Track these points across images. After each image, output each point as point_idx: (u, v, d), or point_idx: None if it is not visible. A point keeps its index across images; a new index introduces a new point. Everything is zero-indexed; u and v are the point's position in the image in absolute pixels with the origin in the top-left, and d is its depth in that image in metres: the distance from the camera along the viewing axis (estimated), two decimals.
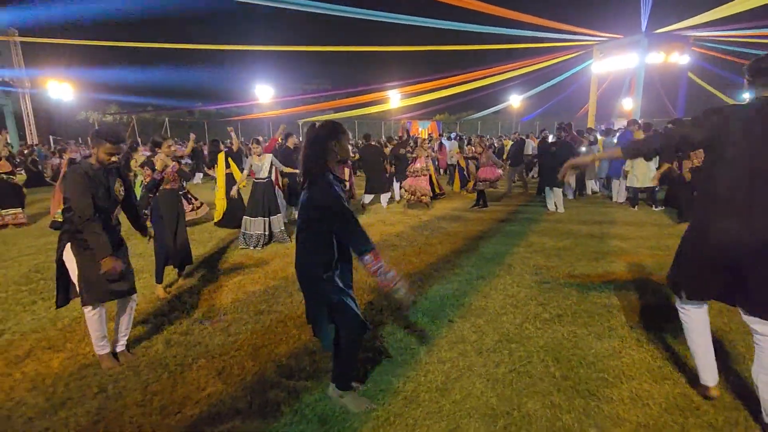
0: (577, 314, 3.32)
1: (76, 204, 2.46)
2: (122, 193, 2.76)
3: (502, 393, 2.34)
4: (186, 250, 4.29)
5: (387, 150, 9.07)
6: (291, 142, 7.25)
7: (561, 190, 7.66)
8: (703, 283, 2.08)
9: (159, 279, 3.97)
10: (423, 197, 7.99)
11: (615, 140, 9.24)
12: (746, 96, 2.04)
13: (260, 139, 11.84)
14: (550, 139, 9.49)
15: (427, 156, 8.57)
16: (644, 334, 2.98)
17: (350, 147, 2.02)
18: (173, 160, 4.19)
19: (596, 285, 3.95)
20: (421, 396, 2.33)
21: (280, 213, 5.78)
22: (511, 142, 14.09)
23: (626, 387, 2.37)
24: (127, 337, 2.88)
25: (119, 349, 2.83)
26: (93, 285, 2.57)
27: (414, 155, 8.29)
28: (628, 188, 8.17)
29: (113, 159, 2.60)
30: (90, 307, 2.60)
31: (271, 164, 5.72)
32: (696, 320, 2.19)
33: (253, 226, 5.53)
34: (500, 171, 8.34)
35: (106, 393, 2.42)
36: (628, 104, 20.27)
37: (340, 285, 2.12)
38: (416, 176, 8.01)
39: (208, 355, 2.82)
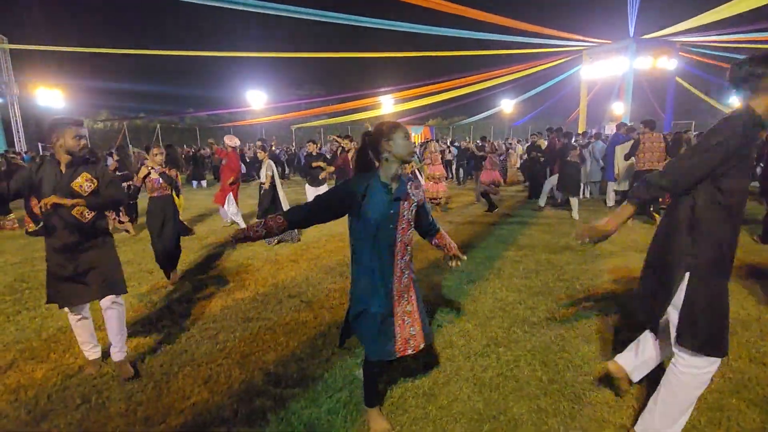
0: (565, 317, 3.34)
1: None
2: (85, 189, 2.49)
3: (488, 397, 2.34)
4: (170, 254, 4.39)
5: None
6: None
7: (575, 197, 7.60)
8: None
9: (165, 275, 4.46)
10: (440, 200, 8.26)
11: (604, 145, 9.32)
12: (733, 99, 1.97)
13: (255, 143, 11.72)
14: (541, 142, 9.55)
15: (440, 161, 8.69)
16: (630, 336, 3.00)
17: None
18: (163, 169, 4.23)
19: (585, 288, 3.98)
20: (408, 401, 2.33)
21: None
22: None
23: (611, 389, 2.38)
24: (121, 346, 2.68)
25: (115, 358, 2.68)
26: (47, 284, 2.55)
27: (429, 162, 8.26)
28: (616, 192, 8.27)
29: (82, 142, 2.45)
30: (66, 310, 2.63)
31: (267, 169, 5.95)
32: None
33: None
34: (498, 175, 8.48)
35: (89, 404, 2.39)
36: (619, 108, 20.53)
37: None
38: (437, 181, 8.18)
39: (195, 363, 2.79)
